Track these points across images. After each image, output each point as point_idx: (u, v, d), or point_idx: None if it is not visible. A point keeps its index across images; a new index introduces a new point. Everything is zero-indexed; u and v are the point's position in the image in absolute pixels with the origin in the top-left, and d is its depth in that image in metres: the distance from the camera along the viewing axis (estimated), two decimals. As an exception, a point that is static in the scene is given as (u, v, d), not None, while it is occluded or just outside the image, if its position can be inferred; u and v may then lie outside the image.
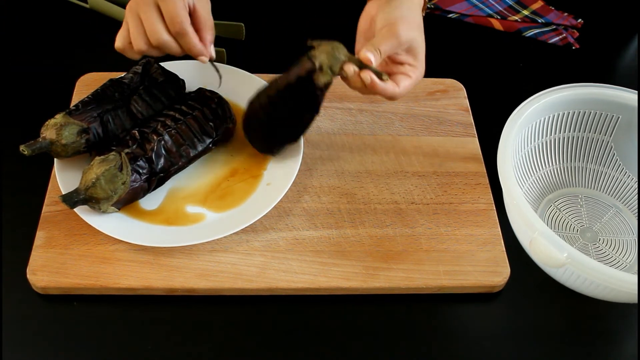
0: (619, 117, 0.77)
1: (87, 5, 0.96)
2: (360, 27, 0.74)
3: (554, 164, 0.81)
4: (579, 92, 0.76)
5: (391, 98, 0.71)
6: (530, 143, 0.78)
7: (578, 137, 0.80)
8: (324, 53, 0.68)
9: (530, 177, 0.79)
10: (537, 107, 0.74)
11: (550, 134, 0.79)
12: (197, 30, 0.71)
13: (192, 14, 0.71)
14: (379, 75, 0.68)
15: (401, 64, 0.71)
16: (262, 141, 0.79)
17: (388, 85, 0.69)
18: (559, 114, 0.77)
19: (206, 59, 0.73)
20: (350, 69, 0.68)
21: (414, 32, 0.70)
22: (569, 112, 0.78)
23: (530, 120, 0.75)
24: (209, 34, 0.73)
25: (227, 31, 0.95)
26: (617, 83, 0.78)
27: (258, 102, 0.75)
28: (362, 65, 0.68)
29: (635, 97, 0.75)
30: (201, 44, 0.72)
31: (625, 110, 0.76)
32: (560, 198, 0.80)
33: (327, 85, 0.70)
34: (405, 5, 0.70)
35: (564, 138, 0.80)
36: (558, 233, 0.75)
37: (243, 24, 0.94)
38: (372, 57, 0.67)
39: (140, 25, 0.69)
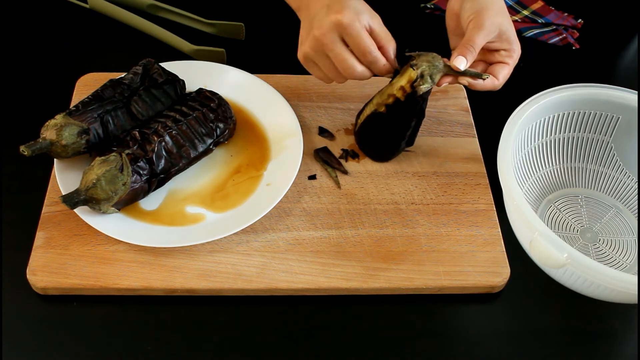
0: (619, 118, 0.77)
1: (87, 6, 0.96)
2: (448, 27, 0.77)
3: (553, 164, 0.81)
4: (579, 92, 0.76)
5: (492, 90, 0.74)
6: (530, 143, 0.78)
7: (578, 138, 0.80)
8: (425, 63, 0.73)
9: (530, 177, 0.79)
10: (536, 108, 0.74)
11: (550, 135, 0.79)
12: (380, 47, 0.72)
13: (371, 34, 0.71)
14: (479, 76, 0.72)
15: (497, 50, 0.74)
16: (380, 152, 0.82)
17: (487, 83, 0.73)
18: (558, 115, 0.77)
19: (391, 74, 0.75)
20: (448, 80, 0.73)
21: (499, 18, 0.72)
22: (569, 113, 0.78)
23: (530, 121, 0.75)
24: (392, 49, 0.73)
25: (227, 31, 0.95)
26: (617, 83, 0.78)
27: (370, 119, 0.79)
28: (460, 71, 0.72)
29: (635, 97, 0.75)
30: (387, 62, 0.73)
31: (625, 110, 0.76)
32: (560, 198, 0.80)
33: (429, 92, 0.75)
34: None
35: (564, 138, 0.80)
36: (558, 233, 0.75)
37: (243, 24, 0.94)
38: (463, 62, 0.71)
39: (332, 65, 0.71)
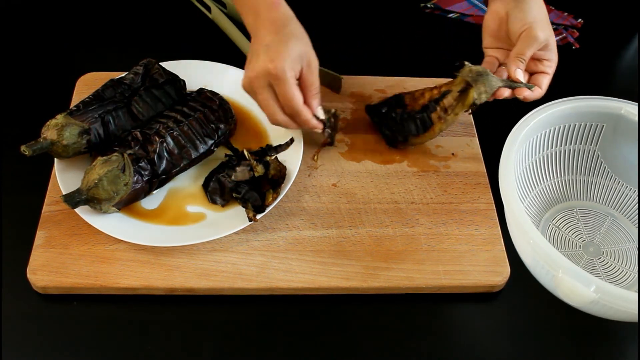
0: (603, 126, 0.77)
1: (210, 16, 0.94)
2: (488, 27, 0.78)
3: (546, 180, 0.80)
4: (566, 107, 0.75)
5: (536, 99, 0.76)
6: (524, 163, 0.77)
7: (566, 151, 0.79)
8: (482, 87, 0.74)
9: (526, 198, 0.78)
10: (527, 130, 0.73)
11: (540, 152, 0.78)
12: (304, 96, 0.72)
13: (300, 79, 0.72)
14: (528, 87, 0.75)
15: (539, 60, 0.76)
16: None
17: (536, 93, 0.75)
18: (546, 131, 0.77)
19: (320, 128, 0.76)
20: (506, 93, 0.75)
21: (547, 30, 0.75)
22: (556, 128, 0.77)
23: (521, 143, 0.74)
24: (315, 101, 0.74)
25: (325, 79, 0.89)
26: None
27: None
28: (514, 84, 0.74)
29: (618, 104, 0.75)
30: (313, 117, 0.74)
31: (609, 118, 0.76)
32: (557, 214, 0.80)
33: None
34: (534, 5, 0.75)
35: (553, 154, 0.79)
36: (563, 252, 0.74)
37: (342, 77, 0.88)
38: (521, 73, 0.74)
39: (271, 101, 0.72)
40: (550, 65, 0.76)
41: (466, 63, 0.75)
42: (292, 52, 0.69)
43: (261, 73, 0.69)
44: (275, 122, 0.74)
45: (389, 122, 0.82)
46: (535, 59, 0.76)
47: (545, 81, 0.76)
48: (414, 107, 0.80)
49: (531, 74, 0.77)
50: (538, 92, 0.75)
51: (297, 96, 0.71)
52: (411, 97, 0.81)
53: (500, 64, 0.79)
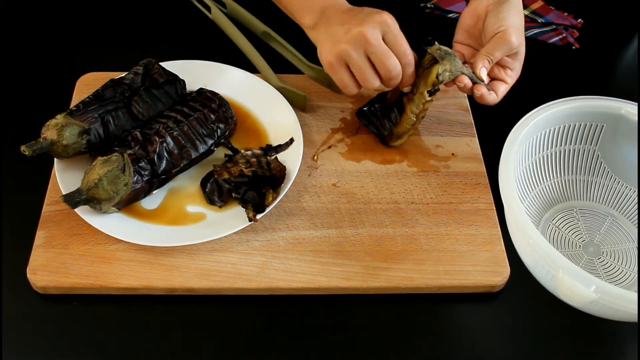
0: (603, 126, 0.77)
1: (210, 16, 0.94)
2: (463, 22, 0.79)
3: (546, 180, 0.80)
4: (566, 107, 0.75)
5: (489, 104, 0.76)
6: (524, 163, 0.77)
7: (567, 150, 0.79)
8: (447, 65, 0.74)
9: (526, 198, 0.78)
10: (527, 130, 0.73)
11: (540, 152, 0.78)
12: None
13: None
14: (488, 88, 0.74)
15: (503, 67, 0.76)
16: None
17: (491, 97, 0.75)
18: (547, 131, 0.77)
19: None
20: (466, 81, 0.74)
21: (521, 39, 0.75)
22: (557, 128, 0.77)
23: (521, 143, 0.74)
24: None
25: (324, 79, 0.88)
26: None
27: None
28: (475, 79, 0.74)
29: (618, 104, 0.75)
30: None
31: (609, 118, 0.76)
32: (556, 214, 0.79)
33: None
34: (514, 11, 0.75)
35: (553, 154, 0.79)
36: (563, 252, 0.74)
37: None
38: (485, 72, 0.74)
39: (366, 66, 0.71)
40: (512, 75, 0.76)
41: (436, 42, 0.75)
42: (373, 16, 0.70)
43: (376, 23, 0.70)
44: (390, 75, 0.72)
45: (372, 120, 0.82)
46: (500, 64, 0.76)
47: (502, 89, 0.75)
48: (392, 98, 0.80)
49: (492, 79, 0.76)
50: (493, 97, 0.75)
51: (408, 46, 0.72)
52: (393, 91, 0.81)
53: (465, 62, 0.78)
